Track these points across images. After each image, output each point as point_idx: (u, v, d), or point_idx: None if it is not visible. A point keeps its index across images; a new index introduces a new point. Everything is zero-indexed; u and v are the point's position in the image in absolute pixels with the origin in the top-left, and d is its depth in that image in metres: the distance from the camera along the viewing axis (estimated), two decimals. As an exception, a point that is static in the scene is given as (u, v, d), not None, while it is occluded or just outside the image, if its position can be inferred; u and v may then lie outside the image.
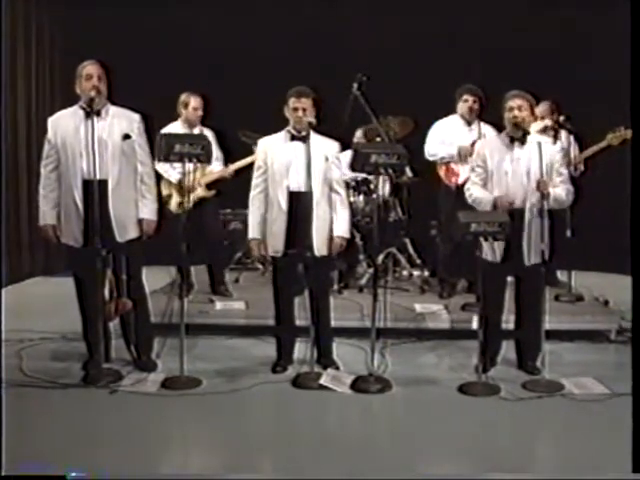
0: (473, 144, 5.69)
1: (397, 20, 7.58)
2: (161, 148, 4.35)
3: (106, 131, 4.41)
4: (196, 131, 5.84)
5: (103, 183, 4.38)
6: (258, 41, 7.59)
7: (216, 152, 5.97)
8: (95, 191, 4.30)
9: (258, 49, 7.58)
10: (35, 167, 7.48)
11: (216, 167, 5.95)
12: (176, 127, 5.80)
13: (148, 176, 4.55)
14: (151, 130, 4.65)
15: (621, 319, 5.41)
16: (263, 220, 4.60)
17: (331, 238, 4.58)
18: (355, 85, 6.35)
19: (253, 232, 4.65)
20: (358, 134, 6.45)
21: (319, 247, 4.53)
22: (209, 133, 5.97)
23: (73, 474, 3.18)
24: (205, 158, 4.44)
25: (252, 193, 4.66)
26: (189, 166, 4.46)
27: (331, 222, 4.59)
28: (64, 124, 4.45)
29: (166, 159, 4.41)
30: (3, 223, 6.88)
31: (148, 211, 4.54)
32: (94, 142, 4.25)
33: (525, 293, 4.64)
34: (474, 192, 4.63)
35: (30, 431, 3.73)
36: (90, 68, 4.40)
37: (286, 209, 4.52)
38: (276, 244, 4.57)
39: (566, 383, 4.39)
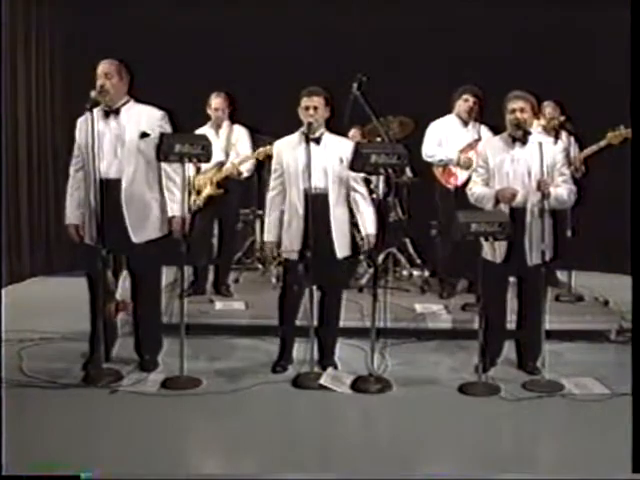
0: (471, 145, 5.71)
1: (397, 20, 7.57)
2: (161, 148, 4.35)
3: (123, 129, 4.40)
4: (222, 130, 5.92)
5: (116, 182, 4.38)
6: (258, 41, 7.58)
7: (248, 149, 6.03)
8: (106, 190, 4.32)
9: (258, 49, 7.57)
10: (35, 167, 7.56)
11: (245, 164, 5.97)
12: (205, 128, 5.86)
13: (175, 172, 4.44)
14: (178, 127, 4.62)
15: (621, 319, 5.41)
16: (279, 223, 4.60)
17: (354, 237, 4.62)
18: (355, 85, 6.35)
19: (269, 235, 4.65)
20: (351, 133, 6.44)
21: (339, 248, 4.52)
22: (242, 129, 6.06)
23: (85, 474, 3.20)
24: (205, 158, 4.43)
25: (269, 195, 4.68)
26: (205, 165, 4.42)
27: (351, 222, 4.61)
28: (86, 124, 4.42)
29: (166, 159, 4.41)
30: (3, 223, 6.88)
31: (177, 208, 4.43)
32: (94, 141, 4.24)
33: (526, 294, 4.64)
34: (476, 190, 4.63)
35: (30, 431, 3.73)
36: (100, 67, 4.42)
37: (302, 211, 4.50)
38: (293, 246, 4.54)
39: (566, 383, 4.40)
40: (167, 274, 5.53)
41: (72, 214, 4.53)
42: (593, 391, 4.32)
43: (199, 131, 5.76)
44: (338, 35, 7.55)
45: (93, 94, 4.32)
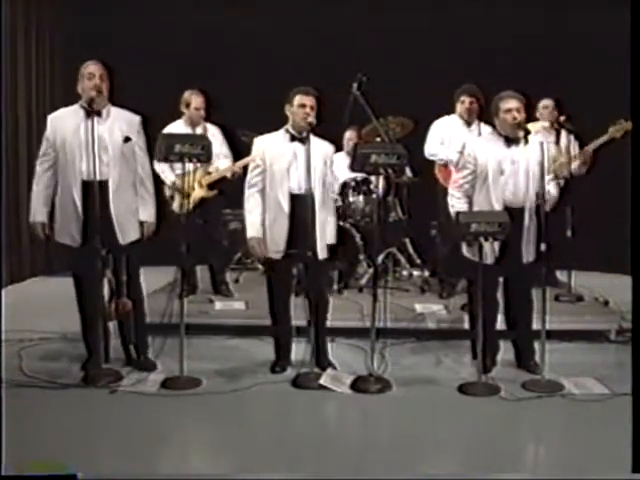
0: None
1: (397, 20, 7.57)
2: (161, 148, 4.35)
3: (107, 132, 4.40)
4: (199, 130, 5.81)
5: (104, 184, 4.38)
6: (258, 41, 7.59)
7: (224, 149, 5.95)
8: (96, 192, 4.29)
9: (258, 49, 7.58)
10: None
11: (224, 164, 5.87)
12: (178, 126, 5.76)
13: (148, 178, 4.56)
14: (149, 131, 4.63)
15: (621, 319, 5.41)
16: (262, 219, 4.57)
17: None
18: (355, 85, 6.35)
19: (253, 231, 4.59)
20: (348, 135, 6.44)
21: (321, 250, 4.51)
22: (215, 130, 5.93)
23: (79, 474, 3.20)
24: (205, 158, 4.43)
25: (248, 191, 4.60)
26: (189, 166, 4.44)
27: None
28: (64, 123, 4.43)
29: (166, 159, 4.40)
30: (3, 223, 6.87)
31: (148, 214, 4.55)
32: (94, 143, 4.24)
33: (515, 293, 4.66)
34: (456, 205, 4.57)
35: (30, 431, 3.73)
36: (92, 67, 4.40)
37: (288, 211, 4.50)
38: (278, 245, 4.55)
39: (566, 383, 4.40)
40: (167, 274, 5.56)
41: (39, 212, 4.49)
42: (593, 391, 4.32)
43: (172, 126, 5.67)
44: (338, 35, 7.55)
45: (93, 94, 4.31)
